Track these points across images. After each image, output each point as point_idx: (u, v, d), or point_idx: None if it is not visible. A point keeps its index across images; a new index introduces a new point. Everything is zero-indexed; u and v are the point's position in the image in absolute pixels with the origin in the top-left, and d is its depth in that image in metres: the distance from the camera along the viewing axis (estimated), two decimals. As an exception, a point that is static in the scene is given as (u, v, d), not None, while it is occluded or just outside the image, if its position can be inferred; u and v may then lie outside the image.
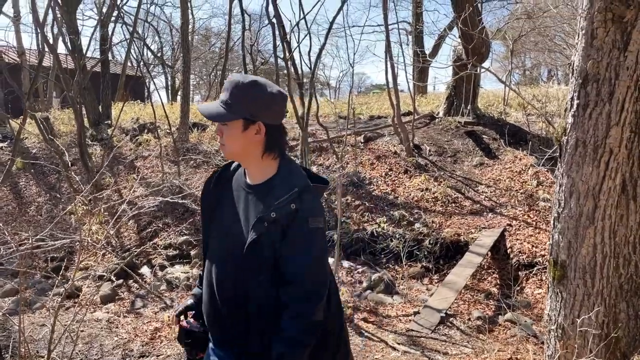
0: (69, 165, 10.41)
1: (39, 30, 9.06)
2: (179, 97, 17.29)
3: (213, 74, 29.23)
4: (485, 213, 7.41)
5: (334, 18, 8.59)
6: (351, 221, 7.50)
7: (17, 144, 9.52)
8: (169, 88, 23.71)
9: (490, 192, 7.98)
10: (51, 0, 9.24)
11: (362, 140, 9.90)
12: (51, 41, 9.56)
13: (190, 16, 19.83)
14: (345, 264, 6.82)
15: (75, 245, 7.93)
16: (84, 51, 11.42)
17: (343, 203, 7.66)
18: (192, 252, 7.59)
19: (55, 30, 9.95)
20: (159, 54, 25.44)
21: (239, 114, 1.61)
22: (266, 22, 10.79)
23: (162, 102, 12.68)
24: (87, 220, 7.76)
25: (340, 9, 8.11)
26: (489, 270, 6.34)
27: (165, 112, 10.39)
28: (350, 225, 7.40)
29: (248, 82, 1.62)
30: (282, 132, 1.71)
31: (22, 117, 8.97)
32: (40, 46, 9.42)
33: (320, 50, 8.16)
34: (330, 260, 5.93)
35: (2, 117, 11.87)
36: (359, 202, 7.96)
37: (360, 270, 6.86)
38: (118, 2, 13.29)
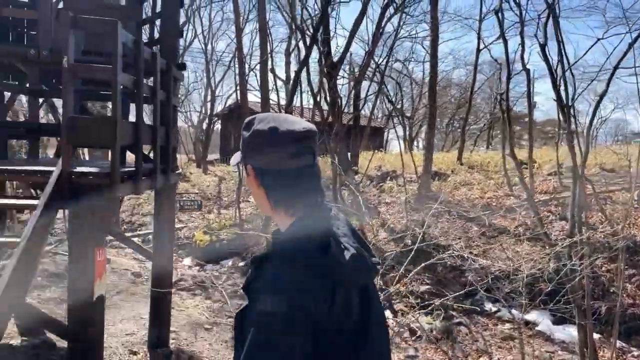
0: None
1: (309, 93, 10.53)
2: (415, 146, 17.99)
3: (450, 123, 29.52)
4: None
5: (618, 63, 7.66)
6: (624, 293, 6.38)
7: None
8: (406, 138, 24.70)
9: None
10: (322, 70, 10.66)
11: (635, 198, 8.47)
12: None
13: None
14: (618, 343, 5.78)
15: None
16: (342, 106, 12.78)
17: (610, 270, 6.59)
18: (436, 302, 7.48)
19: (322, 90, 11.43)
20: (398, 105, 26.70)
21: (240, 158, 1.32)
22: (519, 68, 10.33)
23: (401, 152, 13.28)
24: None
25: (626, 53, 7.19)
26: None
27: (412, 161, 10.74)
28: (623, 297, 6.30)
29: (247, 121, 1.32)
30: (293, 178, 1.25)
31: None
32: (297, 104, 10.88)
33: (601, 97, 7.33)
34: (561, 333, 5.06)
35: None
36: (634, 271, 6.75)
37: (636, 354, 5.72)
38: (372, 62, 14.58)
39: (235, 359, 1.23)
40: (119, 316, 6.78)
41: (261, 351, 1.06)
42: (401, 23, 15.47)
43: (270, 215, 1.31)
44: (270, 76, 19.27)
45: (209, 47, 23.97)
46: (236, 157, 1.33)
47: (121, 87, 3.56)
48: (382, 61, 13.29)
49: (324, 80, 11.86)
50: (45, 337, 5.38)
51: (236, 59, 21.64)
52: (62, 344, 5.10)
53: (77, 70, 3.37)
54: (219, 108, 26.21)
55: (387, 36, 15.13)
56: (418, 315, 7.14)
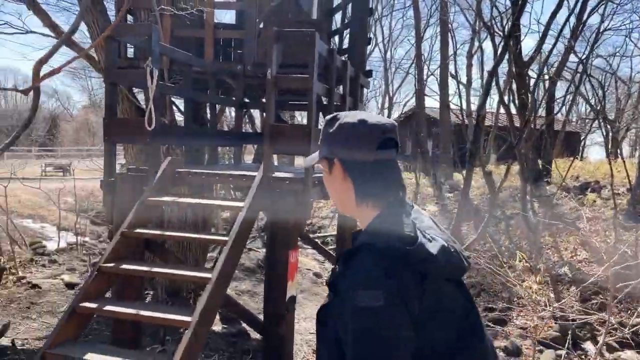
0: (509, 219, 10.69)
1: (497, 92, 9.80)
2: (619, 153, 15.42)
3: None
4: None
5: None
6: None
7: (465, 192, 10.46)
8: (610, 143, 21.53)
9: None
10: (510, 70, 9.84)
11: None
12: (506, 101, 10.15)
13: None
14: None
15: (514, 301, 7.93)
16: (534, 109, 11.65)
17: None
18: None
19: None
20: (597, 107, 23.46)
21: (320, 153, 1.29)
22: None
23: (609, 159, 11.51)
24: (527, 277, 7.62)
25: None
26: None
27: (625, 170, 9.24)
28: None
29: (329, 117, 1.29)
30: (379, 171, 1.23)
31: (466, 170, 9.85)
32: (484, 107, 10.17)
33: None
34: None
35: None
36: None
37: None
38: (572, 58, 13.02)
39: (319, 357, 1.22)
40: (303, 314, 7.12)
41: (367, 349, 1.03)
42: (607, 14, 13.53)
43: (351, 213, 1.28)
44: (450, 80, 18.66)
45: (388, 54, 24.28)
46: (314, 157, 1.32)
47: (316, 95, 3.68)
48: (583, 57, 11.76)
49: (513, 81, 10.96)
50: (241, 327, 5.90)
51: (415, 64, 21.48)
52: (255, 335, 5.54)
53: (278, 81, 3.56)
54: (395, 114, 26.37)
55: (588, 30, 13.34)
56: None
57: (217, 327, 5.81)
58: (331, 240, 14.94)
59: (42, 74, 2.81)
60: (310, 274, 10.50)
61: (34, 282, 6.60)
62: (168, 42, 5.29)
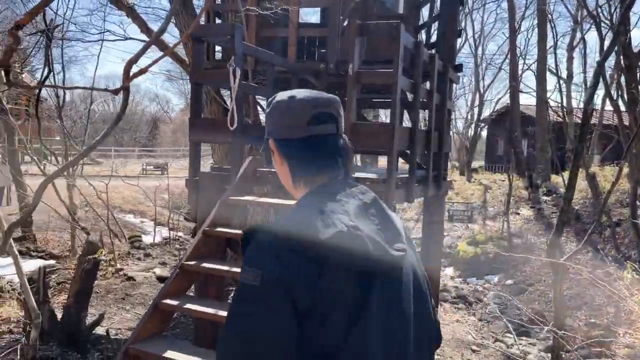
0: (616, 226, 9.67)
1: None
2: None
3: None
4: None
5: None
6: None
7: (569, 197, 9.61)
8: None
9: None
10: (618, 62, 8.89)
11: None
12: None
13: None
14: None
15: (621, 316, 7.13)
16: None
17: None
18: None
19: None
20: None
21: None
22: None
23: None
24: (637, 290, 6.82)
25: None
26: None
27: None
28: None
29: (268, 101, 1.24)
30: (312, 148, 1.13)
31: (570, 171, 8.99)
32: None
33: None
34: None
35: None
36: None
37: None
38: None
39: None
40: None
41: (236, 325, 1.01)
42: None
43: (295, 196, 1.19)
44: (548, 75, 17.37)
45: (479, 50, 23.16)
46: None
47: (400, 90, 3.47)
48: None
49: (622, 74, 9.88)
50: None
51: (509, 59, 20.29)
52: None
53: (360, 77, 3.40)
54: (486, 113, 25.11)
55: None
56: None
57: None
58: (417, 244, 14.52)
59: (131, 74, 2.88)
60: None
61: (130, 274, 7.00)
62: (254, 43, 5.34)
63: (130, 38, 7.44)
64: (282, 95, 1.19)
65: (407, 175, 4.00)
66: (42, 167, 8.56)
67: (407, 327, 1.07)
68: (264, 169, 3.89)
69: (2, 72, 3.39)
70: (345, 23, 5.69)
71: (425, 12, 7.34)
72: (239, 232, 3.51)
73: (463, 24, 21.48)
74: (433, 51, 5.06)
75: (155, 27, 6.70)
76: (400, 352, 1.06)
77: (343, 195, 1.11)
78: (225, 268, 3.34)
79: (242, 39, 3.79)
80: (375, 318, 1.01)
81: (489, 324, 8.21)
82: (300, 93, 1.19)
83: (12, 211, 10.09)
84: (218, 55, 5.76)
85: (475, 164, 27.30)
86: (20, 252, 12.44)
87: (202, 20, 5.76)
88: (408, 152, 4.11)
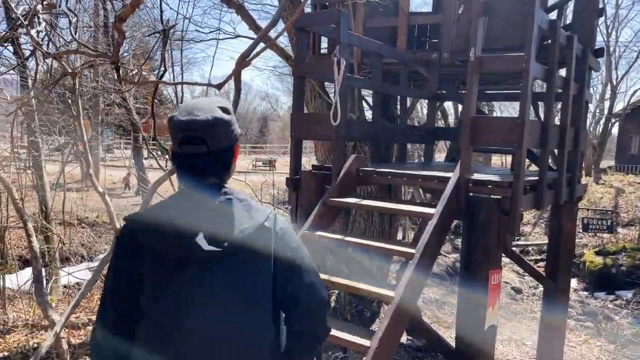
0: None
1: None
2: None
3: None
4: None
5: None
6: None
7: None
8: None
9: None
10: None
11: None
12: None
13: None
14: None
15: None
16: None
17: None
18: None
19: None
20: None
21: None
22: None
23: None
24: None
25: None
26: None
27: None
28: None
29: None
30: (178, 163, 1.42)
31: None
32: None
33: None
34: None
35: None
36: None
37: None
38: None
39: None
40: (499, 336, 6.23)
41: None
42: None
43: None
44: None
45: (612, 36, 20.60)
46: None
47: (532, 79, 2.92)
48: None
49: None
50: (425, 342, 5.36)
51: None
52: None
53: (483, 63, 2.91)
54: (618, 107, 22.33)
55: None
56: None
57: (402, 337, 5.38)
58: (532, 250, 13.24)
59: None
60: (508, 288, 9.35)
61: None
62: (361, 34, 5.04)
63: (240, 36, 7.49)
64: (174, 112, 1.42)
65: (536, 178, 3.42)
66: (161, 163, 9.05)
67: (192, 308, 1.32)
68: (368, 169, 3.56)
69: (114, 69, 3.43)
70: (461, 10, 5.15)
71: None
72: (338, 237, 3.22)
73: (593, 7, 19.24)
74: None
75: (264, 24, 6.68)
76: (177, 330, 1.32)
77: (183, 199, 1.40)
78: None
79: (348, 28, 3.48)
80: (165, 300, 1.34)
81: (623, 347, 7.12)
82: (178, 114, 1.38)
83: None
84: (325, 52, 5.54)
85: (603, 164, 24.55)
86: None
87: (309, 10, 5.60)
88: (536, 150, 3.52)
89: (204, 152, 1.35)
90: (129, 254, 1.37)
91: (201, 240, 1.29)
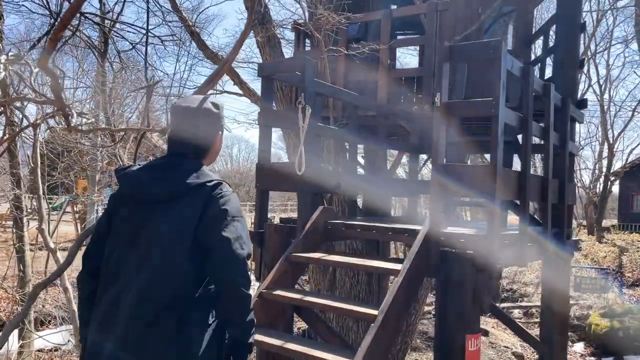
0: None
1: None
2: None
3: None
4: None
5: None
6: None
7: None
8: None
9: None
10: None
11: None
12: None
13: None
14: None
15: None
16: None
17: None
18: None
19: None
20: None
21: None
22: None
23: None
24: None
25: None
26: None
27: None
28: None
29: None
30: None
31: None
32: None
33: None
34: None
35: None
36: None
37: None
38: None
39: None
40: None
41: None
42: None
43: None
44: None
45: (606, 96, 20.81)
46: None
47: (503, 126, 2.74)
48: None
49: None
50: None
51: (642, 104, 17.96)
52: None
53: (450, 109, 2.75)
54: (617, 165, 22.21)
55: None
56: None
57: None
58: (536, 311, 12.65)
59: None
60: (508, 353, 8.78)
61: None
62: (342, 86, 4.97)
63: (226, 92, 7.53)
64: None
65: (517, 232, 3.17)
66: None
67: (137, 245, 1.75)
68: (337, 222, 3.31)
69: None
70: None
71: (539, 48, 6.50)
72: (297, 296, 2.93)
73: (586, 68, 19.59)
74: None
75: (249, 80, 6.67)
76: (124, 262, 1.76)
77: (151, 161, 1.97)
78: (292, 347, 2.68)
79: (313, 74, 3.36)
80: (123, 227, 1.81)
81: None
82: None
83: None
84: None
85: (606, 223, 24.12)
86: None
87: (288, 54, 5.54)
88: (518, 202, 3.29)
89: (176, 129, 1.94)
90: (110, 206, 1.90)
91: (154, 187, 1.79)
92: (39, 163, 3.64)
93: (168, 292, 1.66)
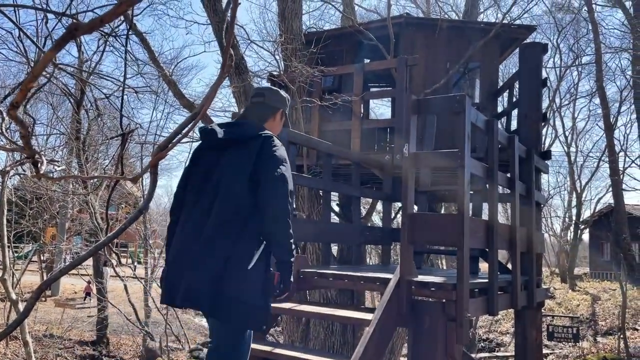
0: None
1: None
2: None
3: None
4: None
5: None
6: None
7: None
8: None
9: None
10: None
11: None
12: None
13: None
14: None
15: None
16: None
17: None
18: None
19: None
20: None
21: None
22: None
23: None
24: None
25: None
26: None
27: None
28: None
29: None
30: None
31: None
32: None
33: None
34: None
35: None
36: None
37: None
38: None
39: None
40: None
41: None
42: None
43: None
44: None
45: (572, 148, 21.66)
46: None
47: (469, 175, 2.83)
48: None
49: None
50: None
51: (606, 155, 18.72)
52: None
53: (418, 159, 2.83)
54: (586, 214, 22.81)
55: None
56: None
57: None
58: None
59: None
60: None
61: None
62: (317, 136, 5.07)
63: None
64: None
65: (486, 280, 3.20)
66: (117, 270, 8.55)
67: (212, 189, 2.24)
68: (309, 270, 3.30)
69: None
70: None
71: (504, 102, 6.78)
72: (267, 349, 2.86)
73: (552, 121, 20.42)
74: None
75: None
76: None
77: (241, 125, 2.41)
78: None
79: (289, 125, 3.43)
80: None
81: None
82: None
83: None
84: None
85: (578, 270, 24.45)
86: (92, 357, 12.34)
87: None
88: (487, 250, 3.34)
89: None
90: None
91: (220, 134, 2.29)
92: (5, 211, 3.55)
93: (231, 209, 2.12)
